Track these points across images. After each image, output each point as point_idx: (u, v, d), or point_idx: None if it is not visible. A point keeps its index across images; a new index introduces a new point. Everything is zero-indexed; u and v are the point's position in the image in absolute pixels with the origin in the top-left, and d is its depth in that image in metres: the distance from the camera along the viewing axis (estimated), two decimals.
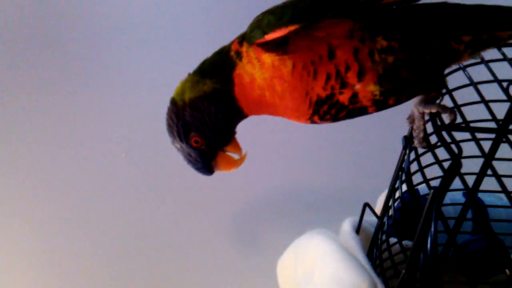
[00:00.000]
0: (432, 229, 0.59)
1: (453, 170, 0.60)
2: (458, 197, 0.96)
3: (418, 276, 0.66)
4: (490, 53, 0.79)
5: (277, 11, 0.63)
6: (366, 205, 0.89)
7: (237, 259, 1.17)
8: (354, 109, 0.67)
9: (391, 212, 0.79)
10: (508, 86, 0.76)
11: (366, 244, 0.89)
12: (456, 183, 0.74)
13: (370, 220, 0.95)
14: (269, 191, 1.33)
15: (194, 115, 0.70)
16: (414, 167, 0.77)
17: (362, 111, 0.68)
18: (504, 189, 0.73)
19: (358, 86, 0.64)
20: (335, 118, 0.69)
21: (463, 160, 0.67)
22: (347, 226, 0.89)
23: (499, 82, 0.74)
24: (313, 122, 0.71)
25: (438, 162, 0.71)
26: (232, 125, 0.73)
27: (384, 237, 0.80)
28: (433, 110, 0.67)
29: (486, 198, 0.95)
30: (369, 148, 1.44)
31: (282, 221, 1.24)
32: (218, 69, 0.70)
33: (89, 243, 1.22)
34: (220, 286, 1.12)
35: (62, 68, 1.84)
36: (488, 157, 0.75)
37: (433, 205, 0.59)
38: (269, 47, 0.64)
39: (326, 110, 0.67)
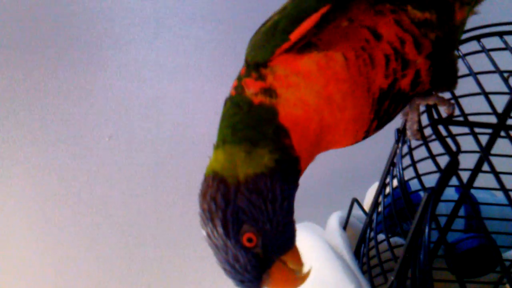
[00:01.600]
0: (426, 236, 0.54)
1: (451, 170, 0.55)
2: (450, 192, 0.91)
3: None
4: (492, 42, 0.74)
5: (289, 7, 0.51)
6: (355, 200, 0.84)
7: None
8: (407, 99, 0.58)
9: (380, 208, 0.75)
10: (509, 77, 0.72)
11: (353, 241, 0.85)
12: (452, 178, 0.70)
13: (358, 215, 0.91)
14: None
15: (252, 201, 0.49)
16: (406, 161, 0.72)
17: (406, 100, 0.59)
18: (502, 187, 0.68)
19: (420, 60, 0.53)
20: (390, 118, 0.58)
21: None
22: (334, 221, 0.84)
23: (500, 72, 0.69)
24: (365, 137, 0.58)
25: (432, 157, 0.67)
26: (293, 213, 0.53)
27: (372, 234, 0.76)
28: (431, 102, 0.61)
29: (479, 195, 0.91)
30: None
31: None
32: (260, 129, 0.50)
33: (71, 225, 1.18)
34: (204, 280, 1.08)
35: (45, 48, 1.76)
36: (485, 153, 0.70)
37: (427, 210, 0.55)
38: (298, 52, 0.50)
39: (387, 106, 0.55)
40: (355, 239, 0.84)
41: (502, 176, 0.72)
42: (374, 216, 0.77)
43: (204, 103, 1.36)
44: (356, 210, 0.90)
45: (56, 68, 1.65)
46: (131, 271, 1.11)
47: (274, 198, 0.49)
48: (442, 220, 0.85)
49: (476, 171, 0.80)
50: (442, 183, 0.55)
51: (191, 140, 1.28)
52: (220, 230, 0.49)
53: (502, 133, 0.68)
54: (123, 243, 1.16)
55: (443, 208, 0.88)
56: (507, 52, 0.70)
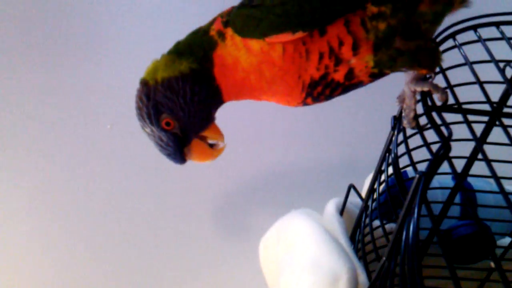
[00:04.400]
0: (415, 216, 0.56)
1: (442, 155, 0.57)
2: (447, 181, 0.93)
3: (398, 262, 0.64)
4: (488, 32, 0.75)
5: (278, 9, 0.58)
6: (351, 186, 0.86)
7: (220, 239, 1.15)
8: (350, 85, 0.63)
9: (375, 195, 0.77)
10: (505, 67, 0.72)
11: (349, 226, 0.87)
12: (447, 166, 0.71)
13: (356, 201, 0.93)
14: (254, 169, 1.30)
15: (166, 96, 0.64)
16: (402, 149, 0.74)
17: (358, 85, 0.64)
18: (493, 174, 0.69)
19: (353, 61, 0.59)
20: (329, 97, 0.65)
21: (454, 143, 0.63)
22: (331, 207, 0.86)
23: (496, 62, 0.70)
24: (305, 104, 0.67)
25: (427, 144, 0.68)
26: (209, 109, 0.67)
27: (367, 220, 0.78)
28: (425, 89, 0.63)
29: (476, 183, 0.93)
30: (358, 127, 1.40)
31: (268, 200, 1.22)
32: (196, 49, 0.64)
33: (72, 216, 1.19)
34: (204, 267, 1.10)
35: (46, 37, 1.78)
36: (480, 141, 0.72)
37: (417, 191, 0.56)
38: None
39: (321, 91, 0.63)
40: (351, 224, 0.86)
41: (498, 164, 0.74)
42: (370, 202, 0.79)
43: None
44: (355, 197, 0.91)
45: (57, 57, 1.67)
46: (132, 268, 1.12)
47: (184, 94, 0.64)
48: (438, 207, 0.87)
49: (471, 159, 0.82)
50: (433, 166, 0.56)
51: None
52: (147, 120, 0.65)
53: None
54: (122, 231, 1.17)
55: (439, 196, 0.89)
56: (503, 42, 0.71)
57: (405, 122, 0.67)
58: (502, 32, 0.71)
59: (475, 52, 0.74)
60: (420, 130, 0.69)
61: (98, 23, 1.87)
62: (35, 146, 1.35)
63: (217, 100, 0.67)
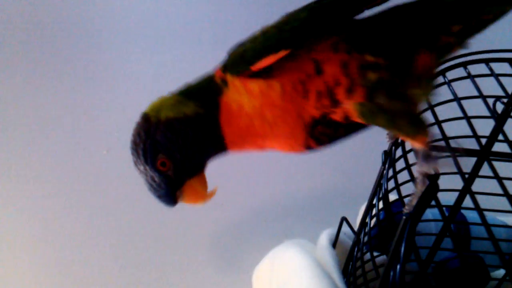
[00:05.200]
0: (402, 254, 0.56)
1: (429, 194, 0.57)
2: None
3: None
4: (477, 68, 0.75)
5: (260, 39, 0.59)
6: (344, 219, 0.86)
7: (213, 269, 1.14)
8: (352, 125, 0.61)
9: (367, 229, 0.77)
10: (494, 102, 0.73)
11: (342, 258, 0.86)
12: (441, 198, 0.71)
13: (349, 233, 0.93)
14: (248, 200, 1.29)
15: (167, 136, 0.62)
16: (393, 183, 0.74)
17: (362, 126, 0.62)
18: (477, 207, 0.68)
19: (348, 105, 0.58)
20: (333, 138, 0.63)
21: (445, 176, 0.63)
22: (324, 239, 0.86)
23: (484, 98, 0.71)
24: (309, 148, 0.64)
25: (414, 180, 0.68)
26: (207, 155, 0.66)
27: (359, 254, 0.78)
28: (431, 172, 0.59)
29: (470, 215, 0.93)
30: (351, 158, 1.39)
31: (261, 230, 1.21)
32: (204, 93, 0.63)
33: (71, 238, 1.20)
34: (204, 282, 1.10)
35: (43, 60, 1.80)
36: (468, 181, 0.72)
37: (404, 232, 0.57)
38: (253, 74, 0.60)
39: (321, 130, 0.61)
40: (344, 256, 0.86)
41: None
42: (362, 236, 0.79)
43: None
44: (348, 228, 0.92)
45: (54, 81, 1.69)
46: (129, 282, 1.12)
47: (185, 137, 0.62)
48: (432, 238, 0.86)
49: (461, 195, 0.82)
50: (420, 207, 0.56)
51: None
52: (142, 157, 0.63)
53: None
54: (121, 253, 1.17)
55: (433, 227, 0.89)
56: (492, 79, 0.72)
57: (406, 208, 0.61)
58: (491, 69, 0.72)
59: (465, 88, 0.75)
60: (408, 166, 0.69)
61: (98, 47, 1.90)
62: (31, 172, 1.36)
63: (219, 148, 0.65)
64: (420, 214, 0.57)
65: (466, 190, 0.78)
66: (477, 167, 0.70)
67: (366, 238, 0.80)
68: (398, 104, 0.57)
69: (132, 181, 1.28)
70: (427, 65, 0.59)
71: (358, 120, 0.59)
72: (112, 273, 1.13)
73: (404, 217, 0.57)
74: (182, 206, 1.24)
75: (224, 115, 0.62)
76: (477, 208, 0.67)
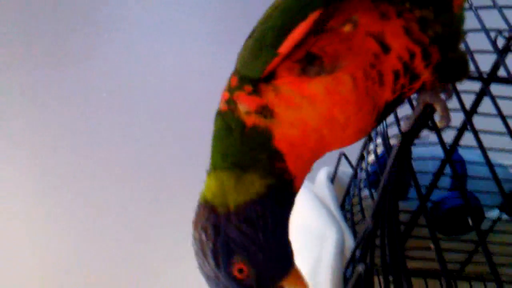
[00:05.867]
0: (393, 175, 0.56)
1: (426, 116, 0.57)
2: (438, 152, 0.93)
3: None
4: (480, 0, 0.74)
5: (275, 13, 0.47)
6: (342, 155, 0.87)
7: None
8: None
9: (364, 164, 0.78)
10: (496, 36, 0.72)
11: (340, 195, 0.88)
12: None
13: (348, 171, 0.94)
14: None
15: (242, 230, 0.47)
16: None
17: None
18: (480, 146, 0.69)
19: (426, 74, 0.51)
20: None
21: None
22: (322, 175, 0.88)
23: (487, 31, 0.70)
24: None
25: (413, 107, 0.68)
26: (288, 235, 0.51)
27: (357, 188, 0.79)
28: (437, 107, 0.56)
29: (467, 155, 0.93)
30: None
31: None
32: (253, 154, 0.48)
33: (65, 183, 1.21)
34: None
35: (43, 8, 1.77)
36: (469, 113, 0.72)
37: (399, 151, 0.57)
38: (304, 71, 0.47)
39: (385, 112, 0.53)
40: (342, 192, 0.88)
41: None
42: (359, 171, 0.80)
43: (204, 59, 1.37)
44: (347, 168, 0.93)
45: (55, 27, 1.67)
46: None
47: (265, 226, 0.47)
48: (428, 178, 0.88)
49: (461, 130, 0.82)
50: (417, 127, 0.57)
51: (190, 97, 1.31)
52: (211, 261, 0.48)
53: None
54: (120, 202, 1.19)
55: (430, 167, 0.90)
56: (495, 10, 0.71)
57: (402, 125, 0.60)
58: (493, 1, 0.71)
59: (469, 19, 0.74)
60: (411, 104, 0.69)
61: None
62: (32, 112, 1.37)
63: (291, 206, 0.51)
64: (416, 134, 0.58)
65: (466, 125, 0.79)
66: (478, 98, 0.70)
67: (364, 175, 0.81)
68: (459, 50, 0.53)
69: (132, 122, 1.31)
70: (461, 2, 0.54)
71: (430, 87, 0.53)
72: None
73: (399, 135, 0.58)
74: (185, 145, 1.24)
75: (290, 157, 0.48)
76: (478, 143, 0.68)
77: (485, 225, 0.92)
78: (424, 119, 0.58)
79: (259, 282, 0.48)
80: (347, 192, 0.86)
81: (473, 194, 0.89)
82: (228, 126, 0.49)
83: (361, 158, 0.81)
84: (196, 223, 0.49)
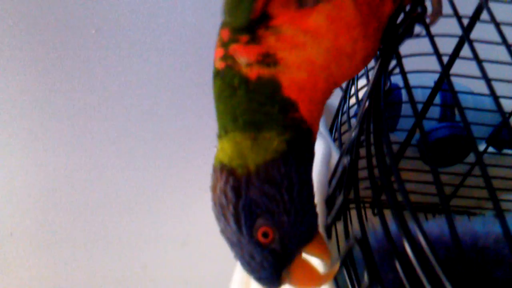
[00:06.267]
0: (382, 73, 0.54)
1: (417, 17, 0.55)
2: (427, 79, 0.92)
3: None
4: None
5: None
6: None
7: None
8: None
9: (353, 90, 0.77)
10: None
11: (329, 119, 0.87)
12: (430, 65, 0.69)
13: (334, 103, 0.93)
14: None
15: (265, 191, 0.44)
16: None
17: None
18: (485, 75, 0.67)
19: None
20: None
21: (437, 39, 0.61)
22: None
23: None
24: None
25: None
26: (313, 196, 0.48)
27: (345, 107, 0.79)
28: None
29: (458, 86, 0.93)
30: None
31: None
32: (264, 110, 0.44)
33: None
34: None
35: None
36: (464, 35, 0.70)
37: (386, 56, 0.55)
38: (300, 2, 0.43)
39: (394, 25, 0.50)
40: (331, 117, 0.87)
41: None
42: (349, 90, 0.79)
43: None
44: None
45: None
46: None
47: (290, 185, 0.44)
48: (418, 108, 0.87)
49: (454, 55, 0.81)
50: (407, 28, 0.55)
51: (184, 35, 1.28)
52: (233, 225, 0.44)
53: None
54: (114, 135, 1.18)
55: (420, 95, 0.89)
56: None
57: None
58: None
59: None
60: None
61: None
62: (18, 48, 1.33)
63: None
64: (408, 31, 0.56)
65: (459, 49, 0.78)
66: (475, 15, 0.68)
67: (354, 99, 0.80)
68: None
69: (121, 61, 1.28)
70: None
71: None
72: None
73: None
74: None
75: (303, 103, 0.45)
76: (476, 58, 0.66)
77: (471, 158, 0.92)
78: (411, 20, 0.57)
79: (284, 246, 0.45)
80: (336, 114, 0.85)
81: (461, 125, 0.89)
82: (230, 84, 0.45)
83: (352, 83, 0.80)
84: (214, 188, 0.46)
